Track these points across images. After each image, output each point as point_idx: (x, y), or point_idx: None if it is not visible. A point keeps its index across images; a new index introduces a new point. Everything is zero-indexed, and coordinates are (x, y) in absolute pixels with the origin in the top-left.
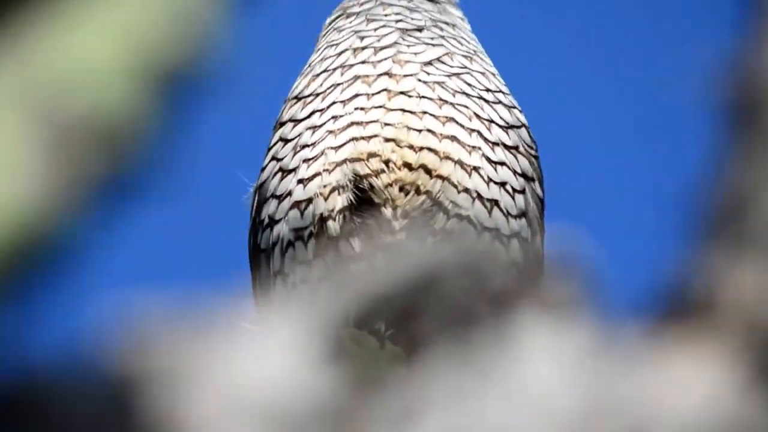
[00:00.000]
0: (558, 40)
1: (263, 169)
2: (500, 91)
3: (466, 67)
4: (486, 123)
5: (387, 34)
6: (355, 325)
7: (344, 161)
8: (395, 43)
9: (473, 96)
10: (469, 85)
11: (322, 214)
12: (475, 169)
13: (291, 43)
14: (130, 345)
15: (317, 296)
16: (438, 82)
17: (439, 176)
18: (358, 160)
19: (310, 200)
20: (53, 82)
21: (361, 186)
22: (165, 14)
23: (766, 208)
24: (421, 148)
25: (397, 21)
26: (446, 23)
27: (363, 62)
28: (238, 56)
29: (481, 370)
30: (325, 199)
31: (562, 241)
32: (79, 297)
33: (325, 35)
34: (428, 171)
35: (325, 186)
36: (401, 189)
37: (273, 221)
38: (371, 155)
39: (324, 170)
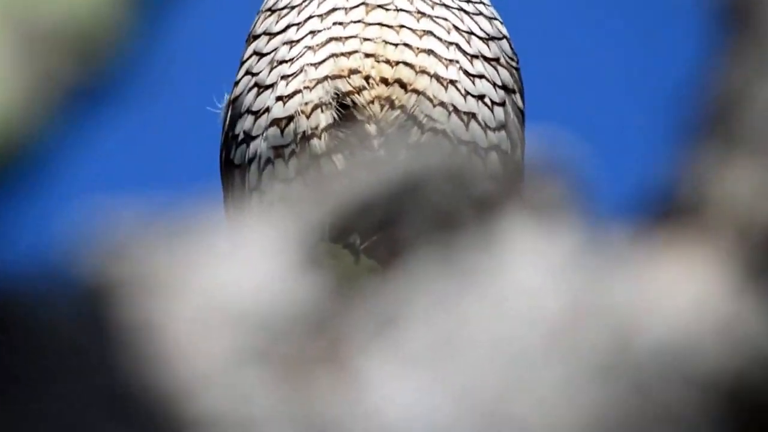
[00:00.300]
0: None
1: (237, 83)
2: (481, 2)
3: None
4: (465, 35)
5: None
6: (333, 235)
7: (325, 78)
8: None
9: (453, 8)
10: None
11: (304, 132)
12: (452, 82)
13: None
14: (105, 252)
15: (296, 205)
16: None
17: (414, 90)
18: (340, 77)
19: (291, 118)
20: None
21: (344, 103)
22: None
23: (758, 106)
24: (397, 63)
25: None
26: None
27: None
28: None
29: (464, 276)
30: (308, 117)
31: (547, 143)
32: (52, 204)
33: None
34: (403, 85)
35: (306, 103)
36: (380, 104)
37: (249, 137)
38: (352, 72)
39: (305, 87)
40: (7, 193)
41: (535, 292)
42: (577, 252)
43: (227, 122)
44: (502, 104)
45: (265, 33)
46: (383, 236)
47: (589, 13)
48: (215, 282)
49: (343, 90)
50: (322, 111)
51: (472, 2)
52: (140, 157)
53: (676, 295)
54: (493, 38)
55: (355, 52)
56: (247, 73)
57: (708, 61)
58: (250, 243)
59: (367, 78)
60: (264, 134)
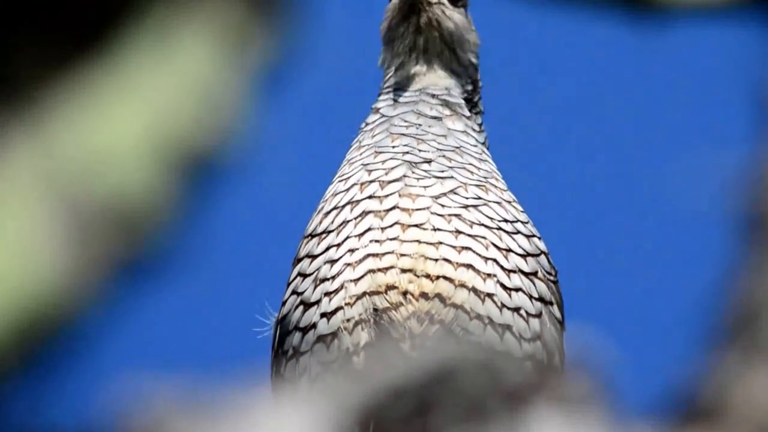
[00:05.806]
0: (571, 146)
1: (284, 303)
2: (518, 221)
3: (480, 198)
4: (504, 252)
5: (395, 167)
6: (370, 421)
7: (364, 294)
8: (403, 176)
9: (492, 227)
10: (488, 217)
11: (348, 349)
12: (489, 295)
13: (313, 129)
14: (143, 425)
15: (333, 386)
16: (454, 215)
17: (453, 305)
18: (377, 293)
19: (335, 334)
20: (76, 165)
21: (381, 320)
22: (190, 100)
23: None
24: (438, 277)
25: (405, 153)
26: (454, 149)
27: (370, 197)
28: (260, 142)
29: None
30: (350, 334)
31: (577, 341)
32: (94, 375)
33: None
34: (443, 299)
35: (348, 320)
36: (418, 319)
37: (298, 353)
38: (389, 287)
39: (345, 304)
40: (49, 364)
41: None
42: None
43: (276, 340)
44: (538, 315)
45: (307, 255)
46: (417, 421)
47: (619, 214)
48: None
49: (380, 306)
50: (362, 329)
51: (510, 222)
52: (183, 330)
53: None
54: (530, 255)
55: (392, 267)
56: (293, 293)
57: (731, 269)
58: (286, 419)
59: (405, 293)
60: (311, 350)
